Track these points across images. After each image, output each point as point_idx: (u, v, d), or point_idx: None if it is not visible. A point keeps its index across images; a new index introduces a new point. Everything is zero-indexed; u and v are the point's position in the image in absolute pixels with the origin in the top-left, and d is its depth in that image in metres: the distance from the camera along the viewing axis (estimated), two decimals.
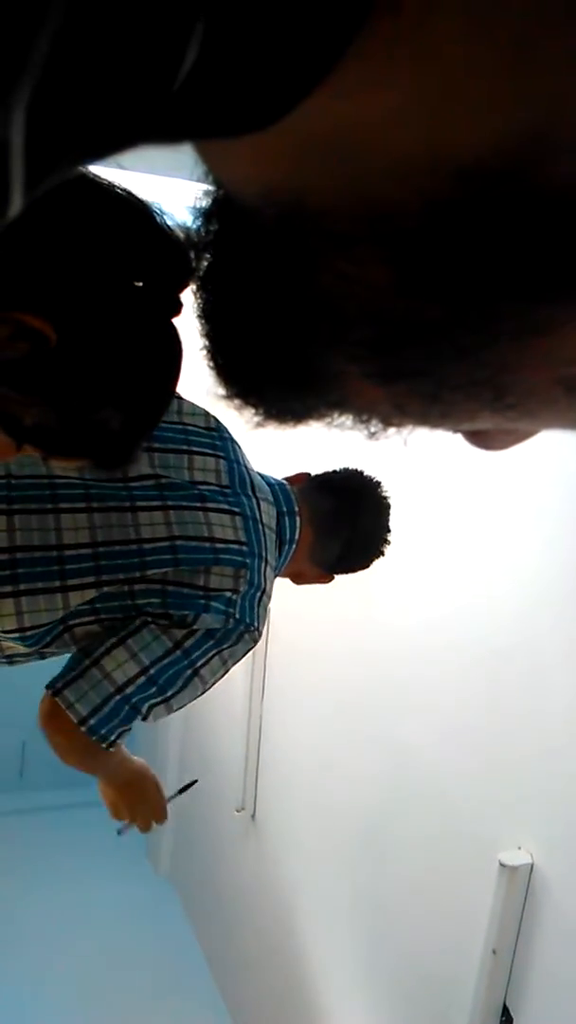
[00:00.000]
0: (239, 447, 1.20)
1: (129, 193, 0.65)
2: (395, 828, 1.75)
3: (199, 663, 1.04)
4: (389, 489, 1.32)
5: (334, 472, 1.33)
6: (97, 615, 1.02)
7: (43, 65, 0.14)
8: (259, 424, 0.29)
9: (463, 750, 1.52)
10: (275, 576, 1.18)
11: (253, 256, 0.25)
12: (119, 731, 1.03)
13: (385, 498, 1.30)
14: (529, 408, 0.25)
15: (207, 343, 0.28)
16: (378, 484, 1.31)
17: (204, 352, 0.28)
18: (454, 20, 0.17)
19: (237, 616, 1.05)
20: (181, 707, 1.07)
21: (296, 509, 1.22)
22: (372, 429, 0.28)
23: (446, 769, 1.56)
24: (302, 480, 1.30)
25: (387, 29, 0.17)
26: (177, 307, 0.66)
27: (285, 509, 1.20)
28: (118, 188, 0.64)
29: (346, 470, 1.33)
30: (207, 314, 0.28)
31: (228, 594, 1.05)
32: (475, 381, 0.24)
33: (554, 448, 1.31)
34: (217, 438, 1.16)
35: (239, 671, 1.12)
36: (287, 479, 1.29)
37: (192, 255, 0.27)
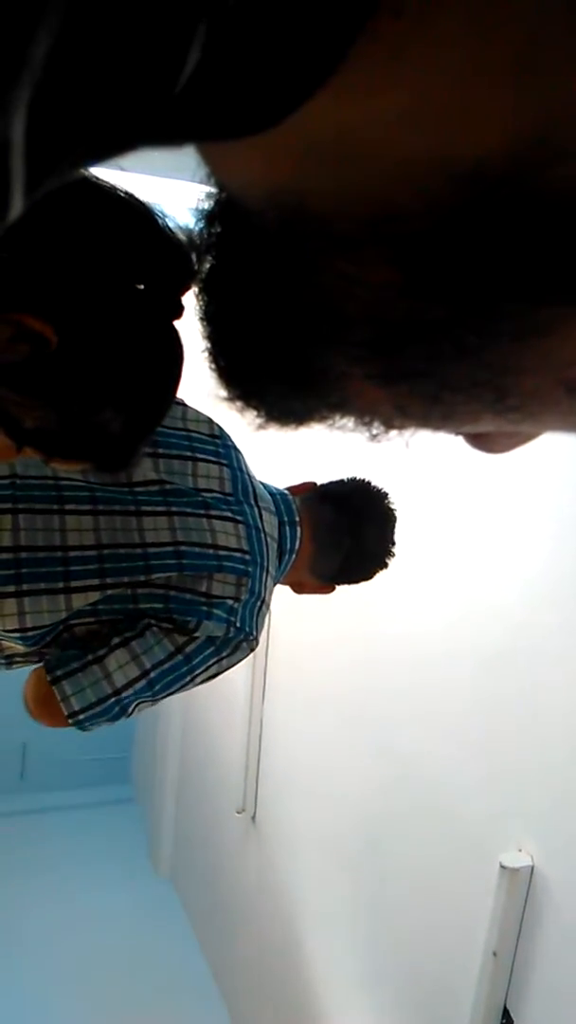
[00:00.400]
0: (242, 455, 1.19)
1: (131, 195, 0.65)
2: (396, 830, 1.75)
3: (198, 670, 1.04)
4: (395, 501, 1.29)
5: (341, 482, 1.31)
6: (98, 616, 1.02)
7: (44, 65, 0.14)
8: (260, 426, 0.29)
9: (464, 752, 1.52)
10: (274, 585, 1.18)
11: (255, 258, 0.25)
12: (101, 724, 1.03)
13: (391, 511, 1.27)
14: (531, 410, 0.25)
15: (208, 345, 0.28)
16: (384, 496, 1.28)
17: (205, 354, 0.28)
18: (457, 23, 0.17)
19: (238, 624, 1.05)
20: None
21: (297, 520, 1.21)
22: (373, 431, 0.28)
23: (447, 771, 1.56)
24: (307, 489, 1.29)
25: (389, 32, 0.17)
26: (179, 310, 0.66)
27: (286, 519, 1.20)
28: (120, 190, 0.64)
29: (353, 481, 1.30)
30: (209, 316, 0.28)
31: (230, 602, 1.05)
32: (477, 382, 0.24)
33: (555, 454, 1.31)
34: (221, 446, 1.16)
35: (240, 673, 1.12)
36: (292, 488, 1.28)
37: (194, 257, 0.27)
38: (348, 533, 1.24)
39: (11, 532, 0.97)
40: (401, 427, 0.28)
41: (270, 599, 1.15)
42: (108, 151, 0.18)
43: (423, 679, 1.64)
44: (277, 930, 2.33)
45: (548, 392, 0.24)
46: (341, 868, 1.98)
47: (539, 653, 1.34)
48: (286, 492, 1.25)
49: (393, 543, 1.28)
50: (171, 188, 1.27)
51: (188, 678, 1.04)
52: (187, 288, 0.66)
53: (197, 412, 1.17)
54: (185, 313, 0.66)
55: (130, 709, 1.03)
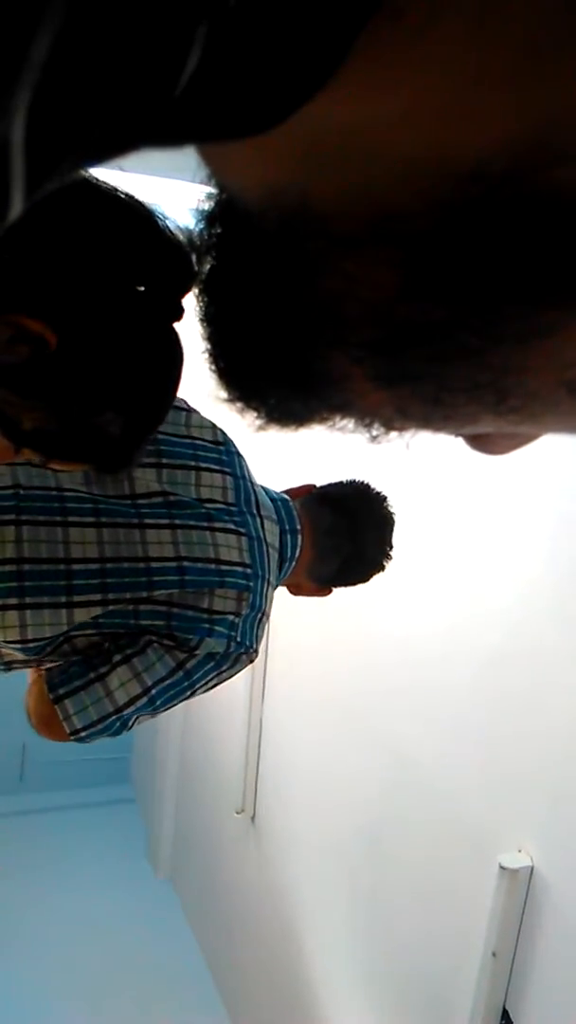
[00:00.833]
0: (245, 461, 1.18)
1: (131, 196, 0.64)
2: (395, 830, 1.75)
3: (198, 684, 1.04)
4: (393, 503, 1.28)
5: (339, 485, 1.30)
6: (100, 629, 1.01)
7: (44, 66, 0.14)
8: (261, 427, 0.29)
9: (463, 752, 1.52)
10: (274, 592, 1.18)
11: (256, 259, 0.25)
12: (102, 738, 1.04)
13: (389, 514, 1.27)
14: (532, 411, 0.25)
15: (209, 347, 0.28)
16: (384, 499, 1.27)
17: (205, 356, 0.28)
18: (458, 25, 0.17)
19: (239, 639, 1.05)
20: None
21: (299, 528, 1.20)
22: (374, 432, 0.28)
23: (446, 771, 1.56)
24: (307, 492, 1.28)
25: (390, 34, 0.17)
26: (179, 311, 0.66)
27: (288, 527, 1.18)
28: (120, 191, 0.64)
29: (351, 483, 1.29)
30: (209, 317, 0.28)
31: (231, 617, 1.04)
32: (478, 384, 0.24)
33: (555, 455, 1.31)
34: (224, 452, 1.14)
35: (239, 675, 1.12)
36: (291, 491, 1.27)
37: (194, 259, 0.27)
38: (347, 537, 1.23)
39: (14, 544, 0.96)
40: (402, 428, 0.27)
41: (271, 609, 1.15)
42: (108, 152, 0.18)
43: (422, 680, 1.64)
44: (276, 930, 2.33)
45: (549, 393, 0.24)
46: (340, 869, 1.98)
47: (538, 654, 1.34)
48: (287, 498, 1.24)
49: (391, 547, 1.27)
50: (171, 188, 1.27)
51: (188, 692, 1.04)
52: (187, 290, 0.65)
53: (201, 418, 1.15)
54: (185, 314, 0.66)
55: (130, 723, 1.04)
